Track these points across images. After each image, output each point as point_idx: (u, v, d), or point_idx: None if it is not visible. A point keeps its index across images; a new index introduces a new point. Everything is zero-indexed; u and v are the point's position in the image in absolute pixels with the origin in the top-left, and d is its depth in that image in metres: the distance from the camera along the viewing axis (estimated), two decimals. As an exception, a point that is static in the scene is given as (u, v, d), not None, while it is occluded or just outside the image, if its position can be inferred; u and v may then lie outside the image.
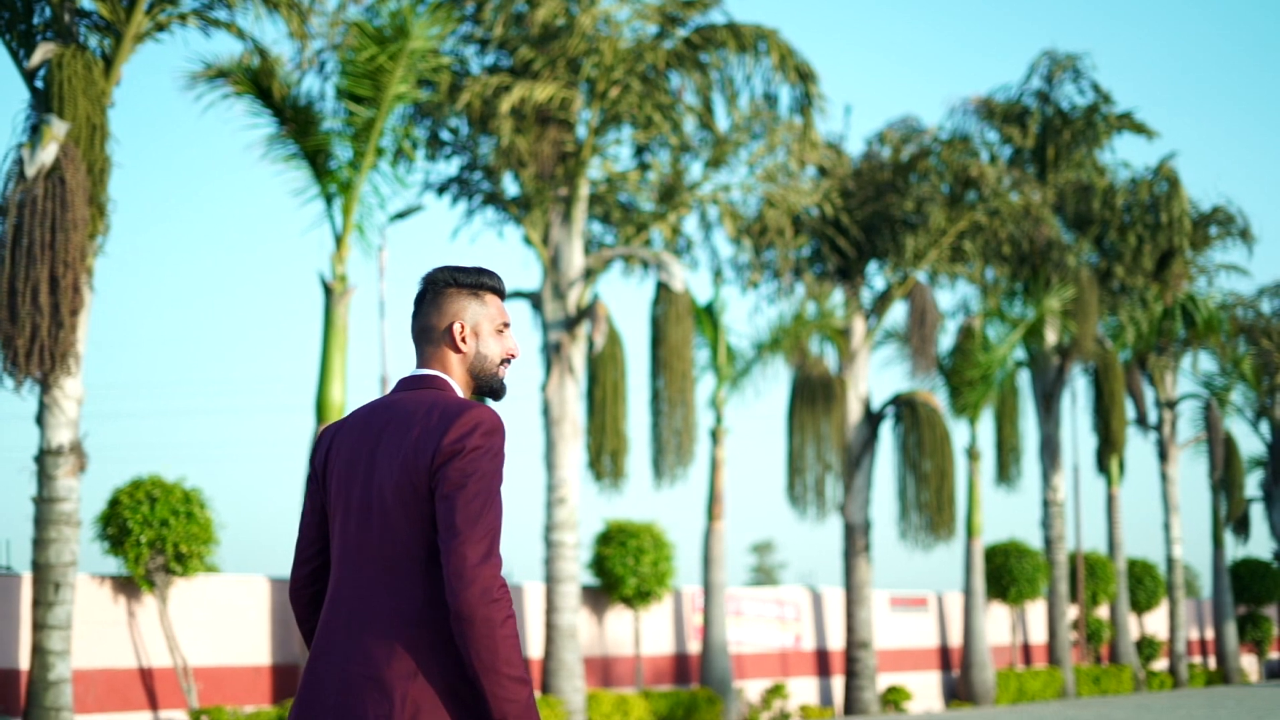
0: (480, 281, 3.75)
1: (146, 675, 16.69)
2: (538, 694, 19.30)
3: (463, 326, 3.72)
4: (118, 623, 16.55)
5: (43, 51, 15.04)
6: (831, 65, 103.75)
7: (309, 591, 3.83)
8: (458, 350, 3.73)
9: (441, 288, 3.75)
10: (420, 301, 3.77)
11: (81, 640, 15.86)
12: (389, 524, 3.57)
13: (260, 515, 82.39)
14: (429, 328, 3.75)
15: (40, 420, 14.84)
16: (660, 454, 22.03)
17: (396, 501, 3.56)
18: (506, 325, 3.79)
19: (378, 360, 22.69)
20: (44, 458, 14.79)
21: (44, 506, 14.69)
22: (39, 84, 15.20)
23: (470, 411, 3.56)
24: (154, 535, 16.22)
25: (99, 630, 16.34)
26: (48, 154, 14.59)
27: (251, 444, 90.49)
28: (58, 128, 14.70)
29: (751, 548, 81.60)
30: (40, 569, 14.59)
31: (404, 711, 3.45)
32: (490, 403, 4.24)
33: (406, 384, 3.74)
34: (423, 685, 3.48)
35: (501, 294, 3.80)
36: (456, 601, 3.42)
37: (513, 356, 3.79)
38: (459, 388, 3.73)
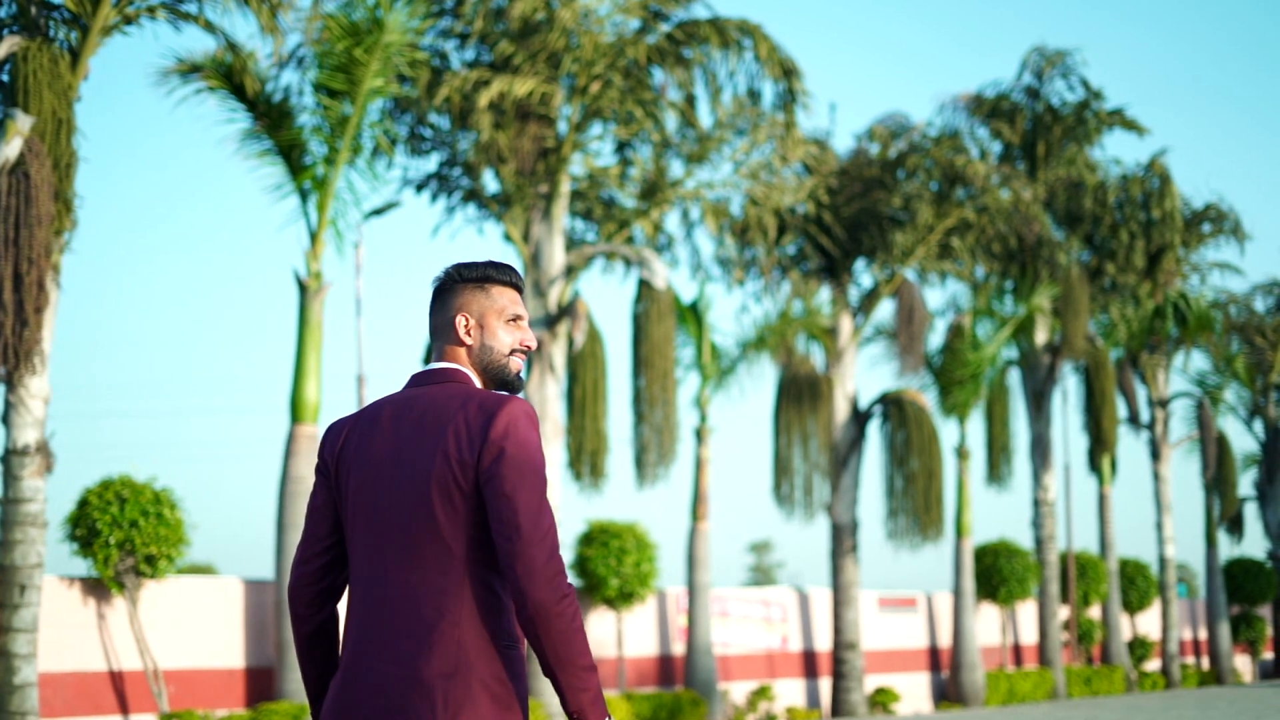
0: (486, 274, 3.73)
1: (116, 678, 16.45)
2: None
3: (467, 319, 3.70)
4: (87, 625, 16.31)
5: (7, 45, 14.78)
6: (821, 63, 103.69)
7: (314, 589, 3.76)
8: (462, 343, 3.70)
9: (449, 284, 3.75)
10: (433, 300, 3.78)
11: (50, 643, 15.61)
12: (426, 520, 3.53)
13: (234, 516, 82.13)
14: (438, 324, 3.74)
15: (5, 420, 14.59)
16: (642, 453, 21.81)
17: (436, 497, 3.53)
18: (519, 318, 3.75)
19: (354, 359, 22.55)
20: (9, 458, 14.53)
21: (9, 507, 14.43)
22: (3, 78, 14.95)
23: (510, 404, 3.55)
24: (123, 536, 15.96)
25: (68, 633, 16.09)
26: (11, 149, 14.33)
27: (225, 444, 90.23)
28: (22, 122, 14.44)
29: (750, 547, 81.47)
30: (5, 571, 14.32)
31: (446, 711, 3.45)
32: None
33: (422, 379, 3.71)
34: (463, 685, 3.47)
35: (514, 286, 3.76)
36: (528, 601, 3.44)
37: (527, 349, 3.76)
38: (476, 381, 3.71)
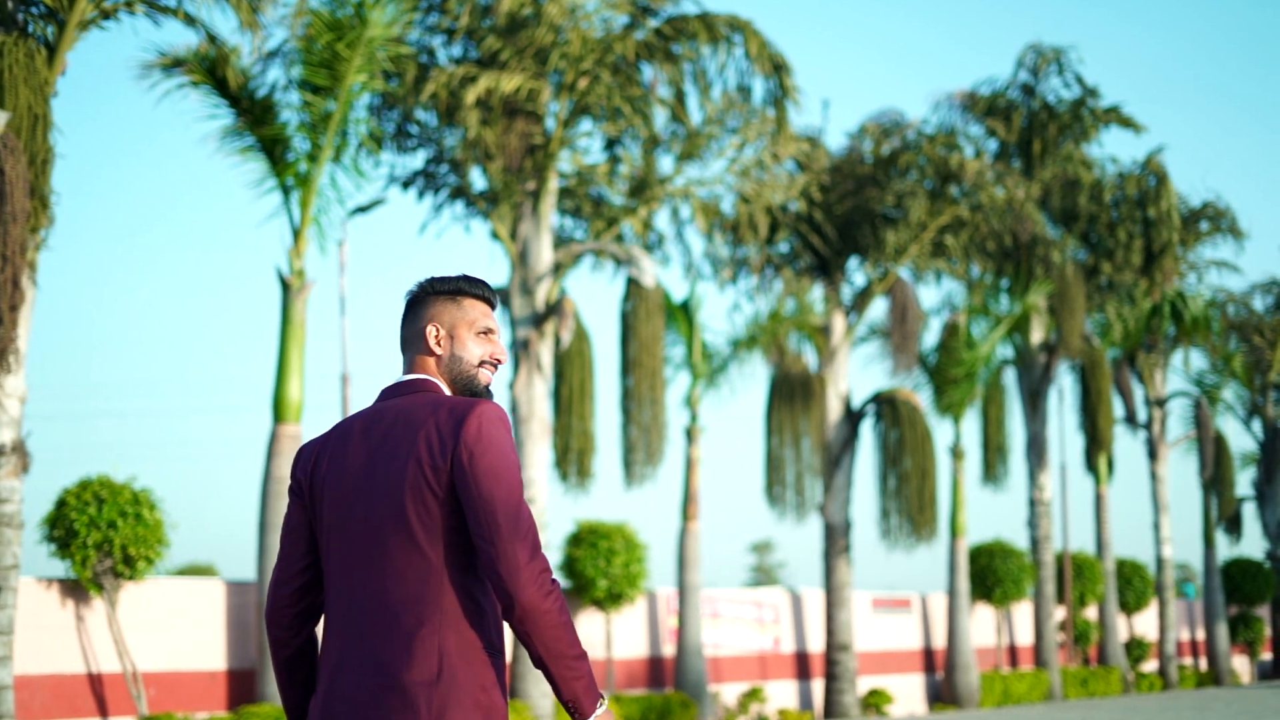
0: (458, 287, 3.75)
1: (95, 681, 16.26)
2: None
3: (437, 330, 3.71)
4: (65, 627, 16.11)
5: (-18, 39, 14.59)
6: (814, 60, 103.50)
7: (293, 611, 3.76)
8: (432, 353, 3.71)
9: (422, 296, 3.76)
10: (405, 313, 3.79)
11: (27, 645, 15.42)
12: (402, 528, 3.52)
13: (234, 517, 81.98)
14: (409, 335, 3.76)
15: (-21, 419, 14.39)
16: (630, 453, 21.61)
17: (410, 504, 3.52)
18: (490, 331, 3.76)
19: (338, 358, 22.36)
20: (-16, 458, 14.34)
21: (-17, 508, 14.24)
22: (-22, 73, 14.74)
23: (480, 407, 3.55)
24: (101, 537, 15.76)
25: (45, 635, 15.89)
26: (-14, 144, 14.14)
27: (223, 444, 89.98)
28: (-3, 117, 14.25)
29: (751, 547, 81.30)
30: (-21, 572, 14.14)
31: (429, 718, 3.45)
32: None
33: (393, 391, 3.72)
34: (445, 691, 3.47)
35: (486, 300, 3.77)
36: (515, 602, 3.44)
37: (497, 361, 3.77)
38: (446, 391, 3.71)
